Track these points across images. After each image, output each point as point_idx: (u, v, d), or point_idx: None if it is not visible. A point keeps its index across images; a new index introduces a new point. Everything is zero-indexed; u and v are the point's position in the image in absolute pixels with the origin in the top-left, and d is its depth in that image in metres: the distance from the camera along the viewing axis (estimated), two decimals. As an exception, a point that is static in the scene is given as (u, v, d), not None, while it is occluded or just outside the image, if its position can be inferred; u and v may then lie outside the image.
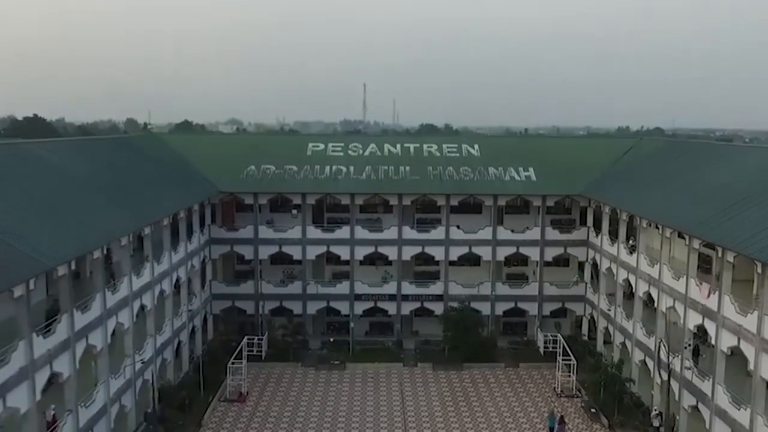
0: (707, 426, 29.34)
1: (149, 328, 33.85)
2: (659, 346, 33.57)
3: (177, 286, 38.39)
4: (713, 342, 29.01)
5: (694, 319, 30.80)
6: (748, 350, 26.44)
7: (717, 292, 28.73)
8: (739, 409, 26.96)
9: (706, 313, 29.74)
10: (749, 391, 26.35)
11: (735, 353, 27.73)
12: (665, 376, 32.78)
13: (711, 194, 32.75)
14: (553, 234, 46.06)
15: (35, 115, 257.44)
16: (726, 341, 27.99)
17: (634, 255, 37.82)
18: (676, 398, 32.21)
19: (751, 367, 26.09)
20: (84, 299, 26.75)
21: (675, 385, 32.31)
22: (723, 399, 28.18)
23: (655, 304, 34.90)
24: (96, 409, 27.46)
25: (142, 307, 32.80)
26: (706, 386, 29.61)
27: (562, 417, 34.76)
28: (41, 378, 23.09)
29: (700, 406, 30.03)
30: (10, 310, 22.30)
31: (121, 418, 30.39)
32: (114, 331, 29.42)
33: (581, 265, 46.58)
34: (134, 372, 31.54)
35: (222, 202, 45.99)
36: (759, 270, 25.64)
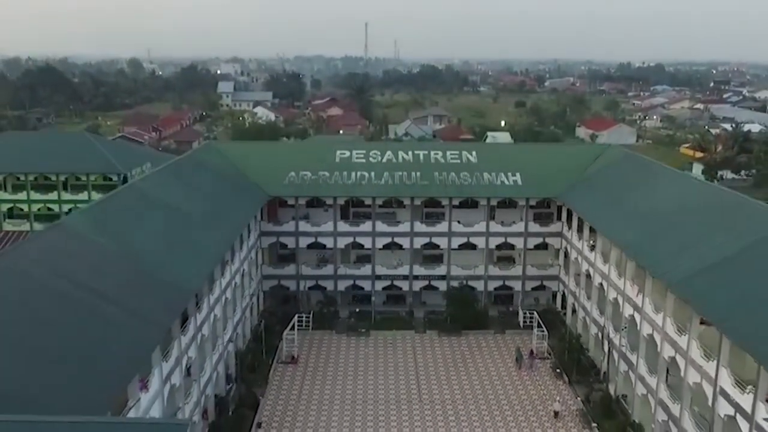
0: (633, 386, 41.54)
1: (229, 312, 45.65)
2: (605, 325, 45.61)
3: (242, 275, 50.04)
4: (638, 328, 40.89)
5: (628, 310, 42.60)
6: (657, 338, 38.32)
7: (642, 294, 40.41)
8: (651, 376, 39.06)
9: (635, 307, 41.49)
10: (657, 365, 38.35)
11: (652, 338, 39.57)
12: (607, 348, 44.92)
13: (646, 215, 43.93)
14: (534, 227, 57.52)
15: (47, 64, 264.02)
16: (645, 329, 39.85)
17: (593, 252, 49.35)
18: (616, 364, 44.32)
19: (659, 349, 38.03)
20: (198, 303, 38.35)
21: (615, 355, 44.41)
22: (643, 368, 40.25)
23: (605, 294, 46.66)
24: (206, 377, 39.54)
25: (226, 299, 44.50)
26: (633, 358, 41.65)
27: (531, 351, 47.67)
28: (184, 362, 34.98)
29: (630, 373, 42.15)
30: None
31: (219, 381, 42.57)
32: (213, 320, 41.18)
33: (557, 252, 58.14)
34: (224, 347, 43.58)
35: (267, 201, 57.12)
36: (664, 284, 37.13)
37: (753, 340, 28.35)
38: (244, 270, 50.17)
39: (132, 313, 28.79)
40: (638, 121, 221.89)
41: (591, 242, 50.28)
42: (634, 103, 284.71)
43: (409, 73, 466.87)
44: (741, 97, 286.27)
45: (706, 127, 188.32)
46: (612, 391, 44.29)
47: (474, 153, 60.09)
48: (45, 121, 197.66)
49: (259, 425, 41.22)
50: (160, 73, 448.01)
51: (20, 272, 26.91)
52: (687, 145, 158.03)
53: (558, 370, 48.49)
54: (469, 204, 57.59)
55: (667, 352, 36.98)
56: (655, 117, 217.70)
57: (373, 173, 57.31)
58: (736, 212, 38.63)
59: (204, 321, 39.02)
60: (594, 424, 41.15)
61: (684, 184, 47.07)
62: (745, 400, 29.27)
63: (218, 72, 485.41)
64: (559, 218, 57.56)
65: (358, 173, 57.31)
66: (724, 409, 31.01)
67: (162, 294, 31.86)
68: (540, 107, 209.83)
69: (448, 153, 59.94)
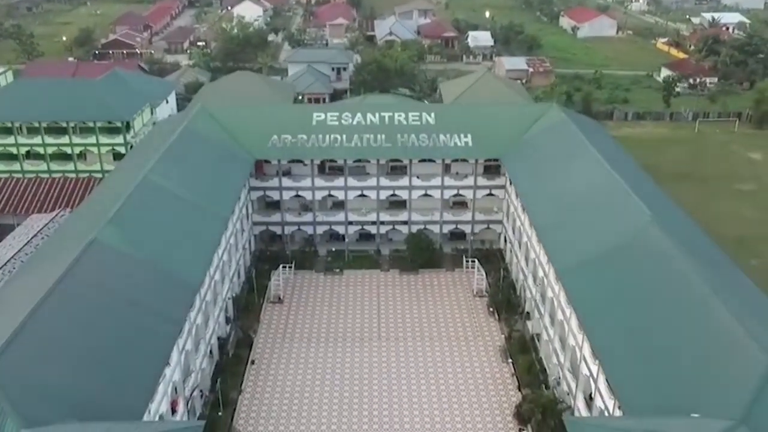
0: (541, 330, 53.82)
1: (227, 270, 56.84)
2: (526, 275, 57.31)
3: (236, 234, 60.76)
4: (545, 289, 52.48)
5: (540, 272, 54.00)
6: (555, 302, 49.96)
7: (549, 263, 51.56)
8: (551, 328, 51.17)
9: (544, 272, 52.83)
10: (554, 321, 50.32)
11: (552, 300, 51.20)
12: (529, 294, 56.93)
13: (561, 194, 54.11)
14: (482, 180, 67.73)
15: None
16: (549, 292, 51.42)
17: (524, 213, 59.91)
18: (532, 308, 56.36)
19: (556, 310, 49.81)
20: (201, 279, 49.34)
21: (532, 302, 56.37)
22: (547, 319, 52.29)
23: (528, 250, 57.84)
24: (210, 330, 51.48)
25: (224, 262, 55.52)
26: (542, 309, 53.53)
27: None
28: (194, 330, 46.62)
29: (540, 319, 54.24)
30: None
31: (220, 326, 54.65)
32: (213, 285, 52.44)
33: (501, 201, 68.66)
34: (224, 296, 55.35)
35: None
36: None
37: (596, 328, 39.91)
38: (237, 228, 60.87)
39: (156, 314, 39.92)
40: (625, 4, 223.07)
41: (522, 205, 60.65)
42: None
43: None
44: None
45: (687, 16, 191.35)
46: (529, 329, 56.73)
47: (432, 115, 68.84)
48: (35, 10, 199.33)
49: (252, 362, 53.84)
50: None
51: (77, 295, 37.73)
52: (664, 40, 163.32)
53: (491, 309, 60.68)
54: (428, 160, 67.28)
55: (560, 315, 48.80)
56: (641, 0, 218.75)
57: (344, 136, 66.39)
58: (622, 208, 48.77)
59: (207, 289, 50.32)
60: (510, 360, 53.89)
61: (595, 169, 56.03)
62: (594, 368, 41.34)
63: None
64: (504, 171, 67.51)
65: (332, 136, 66.39)
66: (584, 370, 43.22)
67: (176, 292, 42.76)
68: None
69: (410, 115, 68.68)
